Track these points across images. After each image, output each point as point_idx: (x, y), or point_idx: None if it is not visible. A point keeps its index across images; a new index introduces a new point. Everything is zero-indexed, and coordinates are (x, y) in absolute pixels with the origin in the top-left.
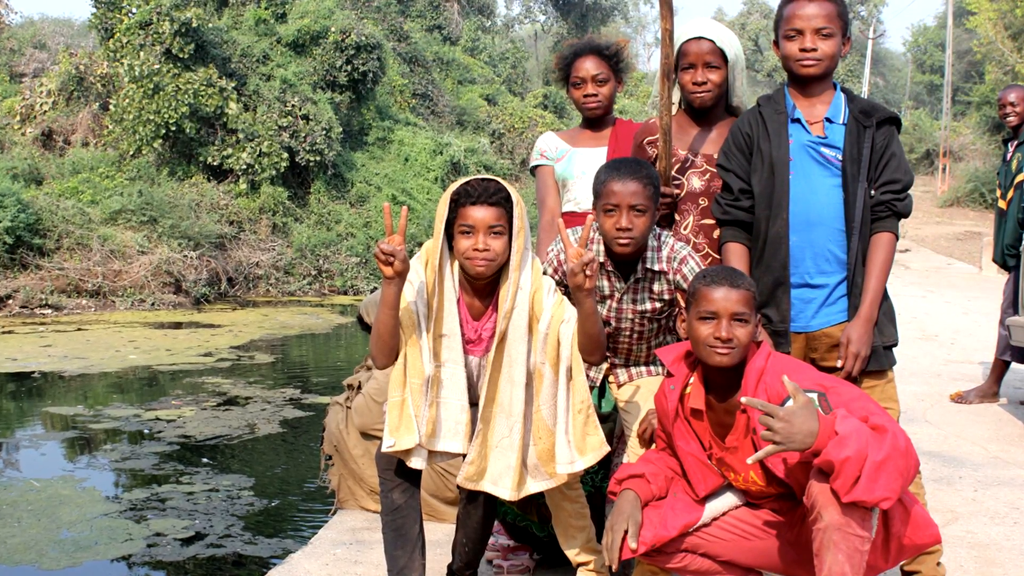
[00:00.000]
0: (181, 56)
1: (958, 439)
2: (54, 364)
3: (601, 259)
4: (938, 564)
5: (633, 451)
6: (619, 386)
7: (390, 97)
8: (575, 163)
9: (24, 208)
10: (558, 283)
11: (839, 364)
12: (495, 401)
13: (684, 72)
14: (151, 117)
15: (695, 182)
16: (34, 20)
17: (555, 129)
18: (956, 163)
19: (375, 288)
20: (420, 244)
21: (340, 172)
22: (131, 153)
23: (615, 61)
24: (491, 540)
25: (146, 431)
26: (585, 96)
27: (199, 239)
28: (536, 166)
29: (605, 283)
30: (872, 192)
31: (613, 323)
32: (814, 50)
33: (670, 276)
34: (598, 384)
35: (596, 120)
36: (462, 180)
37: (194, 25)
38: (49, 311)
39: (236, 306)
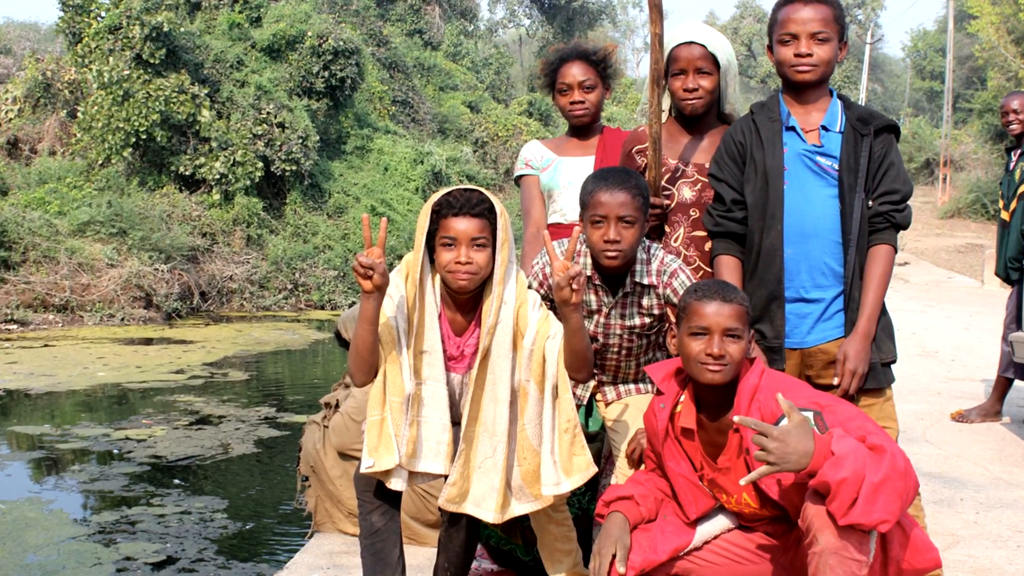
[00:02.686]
0: (152, 62)
1: (959, 459)
2: (20, 381)
3: (588, 272)
4: None
5: (621, 472)
6: (607, 404)
7: (369, 104)
8: (561, 173)
9: None
10: (544, 297)
11: (835, 382)
12: (478, 420)
13: (674, 78)
14: (121, 125)
15: (686, 192)
16: None
17: (540, 137)
18: (957, 173)
19: (353, 303)
20: (400, 257)
21: (317, 182)
22: (100, 162)
23: (603, 67)
24: (474, 565)
25: (115, 451)
26: (572, 103)
27: (170, 252)
28: (521, 176)
29: (592, 297)
30: (870, 203)
31: (601, 339)
32: (809, 55)
33: (660, 290)
34: (585, 402)
35: (583, 128)
36: (444, 190)
37: (165, 29)
38: (15, 327)
39: (209, 321)
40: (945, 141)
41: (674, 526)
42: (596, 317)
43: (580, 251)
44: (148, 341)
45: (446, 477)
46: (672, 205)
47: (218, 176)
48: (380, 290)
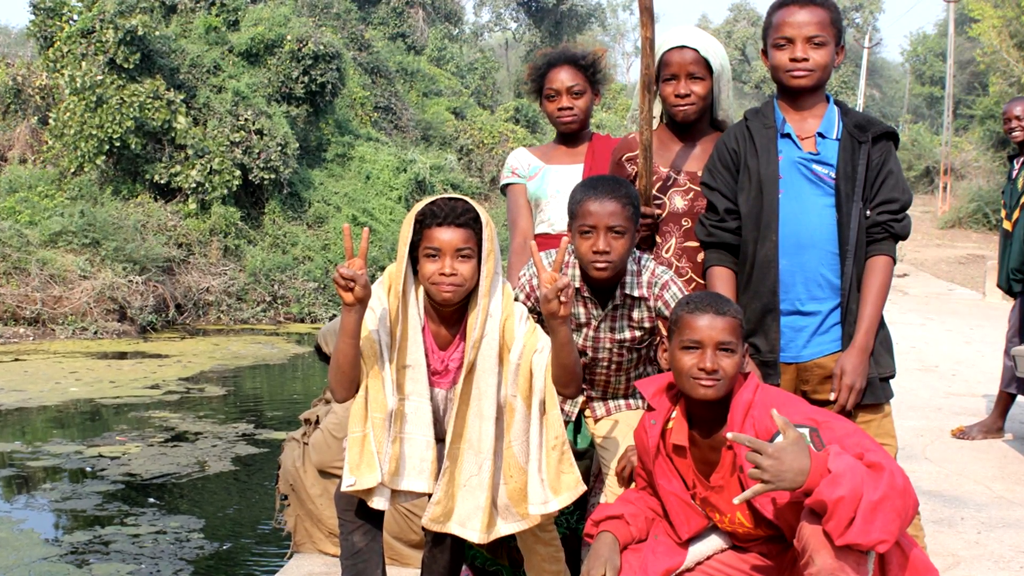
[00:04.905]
0: (126, 66)
1: (960, 477)
2: None
3: (577, 284)
4: None
5: (611, 490)
6: (596, 421)
7: (350, 110)
8: (549, 181)
9: None
10: (531, 310)
11: (832, 397)
12: (463, 437)
13: (666, 84)
14: (94, 132)
15: (678, 201)
16: None
17: (527, 145)
18: (958, 181)
19: (334, 316)
20: (382, 268)
21: (296, 191)
22: (72, 170)
23: (592, 72)
24: None
25: (88, 469)
26: (560, 109)
27: (145, 263)
28: (507, 184)
29: (581, 310)
30: (868, 212)
31: (590, 353)
32: (805, 60)
33: (651, 302)
34: (573, 419)
35: (571, 135)
36: (427, 200)
37: (140, 33)
38: None
39: (185, 335)
40: (945, 149)
41: (665, 546)
42: (585, 330)
43: (568, 262)
44: (122, 355)
45: (430, 496)
46: (663, 215)
47: (194, 185)
48: (362, 302)
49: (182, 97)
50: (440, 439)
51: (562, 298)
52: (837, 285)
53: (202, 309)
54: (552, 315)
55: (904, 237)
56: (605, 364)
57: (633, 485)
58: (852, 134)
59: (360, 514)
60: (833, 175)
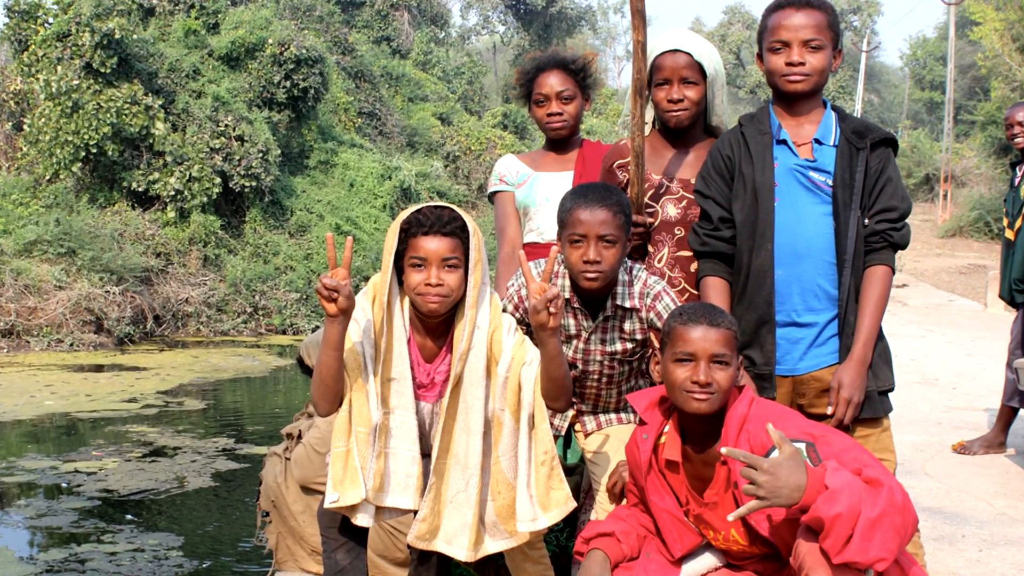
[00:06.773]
0: (103, 71)
1: (961, 494)
2: None
3: (567, 295)
4: None
5: (602, 507)
6: (586, 435)
7: (333, 116)
8: (538, 189)
9: None
10: (519, 321)
11: (829, 411)
12: (449, 452)
13: (658, 88)
14: (70, 138)
15: (670, 210)
16: None
17: (516, 151)
18: (958, 189)
19: (317, 327)
20: (367, 279)
21: (278, 199)
22: (47, 178)
23: (582, 76)
24: None
25: (64, 485)
26: (549, 115)
27: (123, 273)
28: (495, 192)
29: (571, 321)
30: (866, 221)
31: (580, 366)
32: (802, 64)
33: (643, 314)
34: (563, 433)
35: (561, 141)
36: (413, 208)
37: (117, 36)
38: None
39: (163, 347)
40: (946, 155)
41: (658, 564)
42: (575, 342)
43: (558, 272)
44: (99, 368)
45: (415, 512)
46: (656, 223)
47: (173, 192)
48: (345, 314)
49: (160, 102)
50: (426, 454)
51: (551, 309)
52: (834, 296)
53: (181, 320)
54: (541, 327)
55: (903, 246)
56: (596, 377)
57: (624, 501)
58: (850, 140)
59: (344, 531)
60: (830, 182)
